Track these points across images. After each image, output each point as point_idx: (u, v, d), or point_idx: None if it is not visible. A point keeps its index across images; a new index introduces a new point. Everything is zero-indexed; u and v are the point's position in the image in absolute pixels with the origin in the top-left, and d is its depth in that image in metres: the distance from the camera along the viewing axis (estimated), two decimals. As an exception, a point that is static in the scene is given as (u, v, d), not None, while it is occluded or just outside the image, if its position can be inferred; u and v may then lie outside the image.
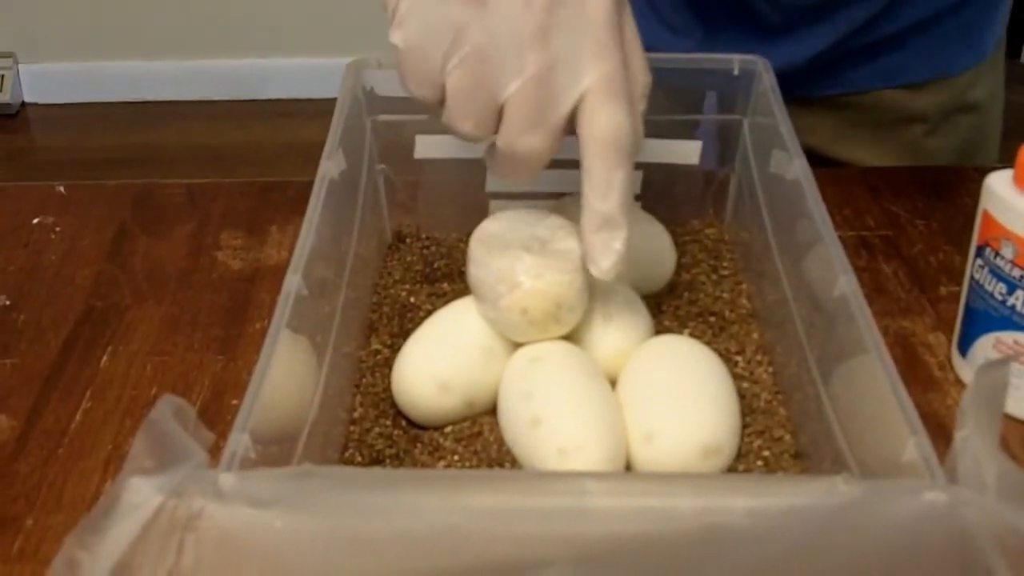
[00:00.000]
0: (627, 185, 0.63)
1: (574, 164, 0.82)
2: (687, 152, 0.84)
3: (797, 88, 0.79)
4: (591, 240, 0.64)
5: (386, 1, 0.64)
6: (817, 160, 0.70)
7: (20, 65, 3.27)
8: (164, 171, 2.86)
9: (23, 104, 3.29)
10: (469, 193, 0.82)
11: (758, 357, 0.75)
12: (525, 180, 0.65)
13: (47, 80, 3.28)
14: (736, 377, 0.71)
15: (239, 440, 0.51)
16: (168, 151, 3.04)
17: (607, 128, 0.62)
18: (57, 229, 0.94)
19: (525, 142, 0.62)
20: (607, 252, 0.64)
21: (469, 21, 0.60)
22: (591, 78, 0.61)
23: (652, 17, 1.01)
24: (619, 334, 0.72)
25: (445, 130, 0.65)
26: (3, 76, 3.23)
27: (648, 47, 0.65)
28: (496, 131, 0.63)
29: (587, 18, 0.61)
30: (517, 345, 0.71)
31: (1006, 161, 0.72)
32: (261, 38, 3.23)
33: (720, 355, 0.71)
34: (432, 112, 0.65)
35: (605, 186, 0.63)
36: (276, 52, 3.25)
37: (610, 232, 0.64)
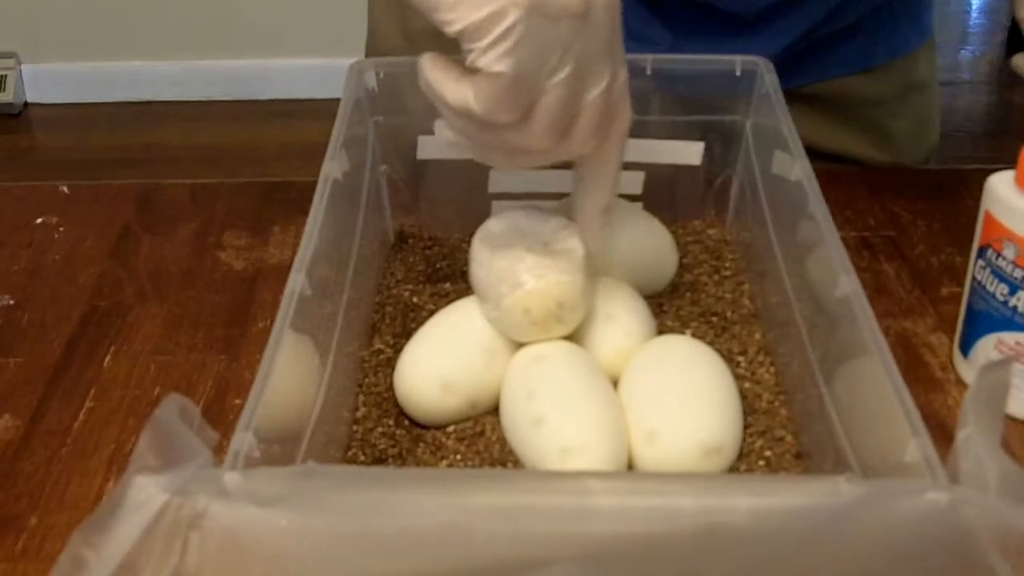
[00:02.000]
0: None
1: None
2: (689, 153, 0.84)
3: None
4: (597, 223, 0.70)
5: (469, 26, 0.59)
6: None
7: (23, 65, 3.27)
8: (166, 171, 2.86)
9: (26, 104, 3.29)
10: (471, 193, 0.82)
11: (760, 357, 0.75)
12: None
13: (50, 80, 3.28)
14: (738, 377, 0.72)
15: (243, 439, 0.51)
16: (170, 151, 3.04)
17: (628, 125, 0.67)
18: (60, 229, 0.94)
19: (591, 144, 0.65)
20: (607, 229, 0.70)
21: (575, 37, 0.60)
22: (620, 79, 0.65)
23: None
24: (621, 334, 0.72)
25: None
26: (6, 76, 3.23)
27: None
28: None
29: (614, 21, 0.63)
30: (519, 345, 0.71)
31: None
32: (263, 39, 3.23)
33: (722, 355, 0.71)
34: (480, 136, 0.64)
35: (619, 175, 0.68)
36: (278, 52, 3.25)
37: (609, 213, 0.69)
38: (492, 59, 0.59)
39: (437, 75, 0.62)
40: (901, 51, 1.06)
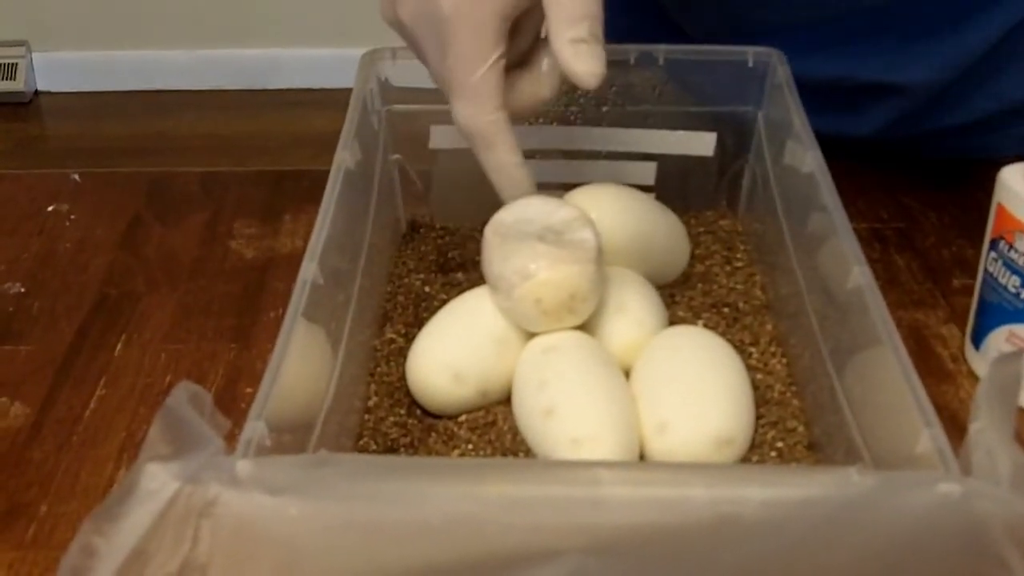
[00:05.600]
0: None
1: (590, 155, 0.82)
2: (701, 144, 0.84)
3: (868, 155, 0.77)
4: (568, 53, 0.65)
5: None
6: None
7: (34, 53, 3.27)
8: (176, 160, 2.86)
9: (36, 92, 3.29)
10: (484, 183, 0.81)
11: (772, 348, 0.75)
12: None
13: (60, 68, 3.28)
14: (750, 368, 0.71)
15: (255, 427, 0.51)
16: (181, 140, 3.04)
17: None
18: (71, 217, 0.94)
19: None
20: (585, 55, 0.65)
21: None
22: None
23: None
24: (633, 324, 0.72)
25: None
26: (17, 64, 3.23)
27: None
28: None
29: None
30: (531, 335, 0.71)
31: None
32: (274, 28, 3.23)
33: (734, 346, 0.71)
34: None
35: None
36: (289, 42, 3.25)
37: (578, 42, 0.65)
38: None
39: None
40: None
